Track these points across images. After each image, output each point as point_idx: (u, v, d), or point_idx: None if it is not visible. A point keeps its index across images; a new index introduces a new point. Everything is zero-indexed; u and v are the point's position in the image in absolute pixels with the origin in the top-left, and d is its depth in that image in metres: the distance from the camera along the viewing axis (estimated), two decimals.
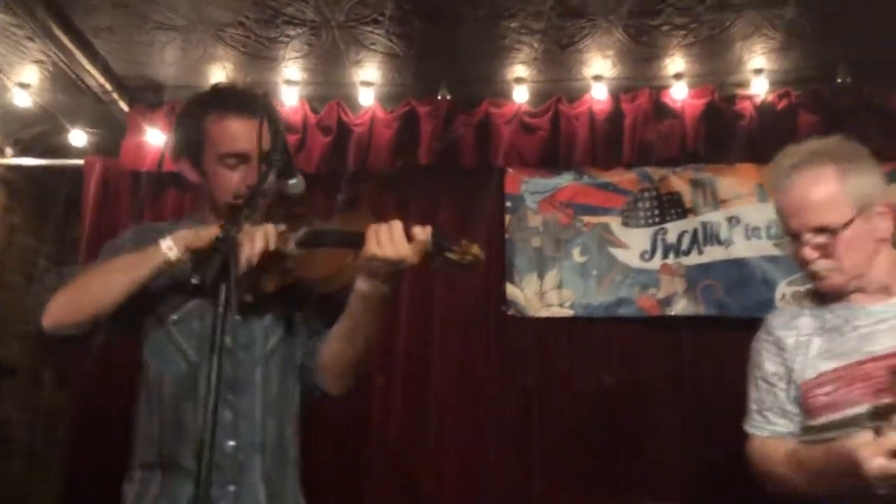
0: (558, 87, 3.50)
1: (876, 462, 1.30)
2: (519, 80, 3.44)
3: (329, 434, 3.23)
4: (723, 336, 3.38)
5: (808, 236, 1.56)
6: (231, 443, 1.63)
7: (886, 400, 1.40)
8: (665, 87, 3.43)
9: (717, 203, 3.42)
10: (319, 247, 1.63)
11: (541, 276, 3.44)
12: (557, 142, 3.48)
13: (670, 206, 3.45)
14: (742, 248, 3.37)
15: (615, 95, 3.46)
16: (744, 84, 3.40)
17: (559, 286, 3.42)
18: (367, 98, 3.51)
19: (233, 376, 1.64)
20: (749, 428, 1.69)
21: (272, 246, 1.58)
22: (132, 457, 1.71)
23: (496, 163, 3.51)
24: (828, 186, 1.57)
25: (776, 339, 1.67)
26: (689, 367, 3.39)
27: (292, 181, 1.58)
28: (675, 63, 3.33)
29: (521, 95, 3.46)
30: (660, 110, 3.43)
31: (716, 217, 3.41)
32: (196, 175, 1.77)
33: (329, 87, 3.57)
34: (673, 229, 3.41)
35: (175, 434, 1.64)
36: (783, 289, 3.32)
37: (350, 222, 1.64)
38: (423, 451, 3.34)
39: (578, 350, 3.42)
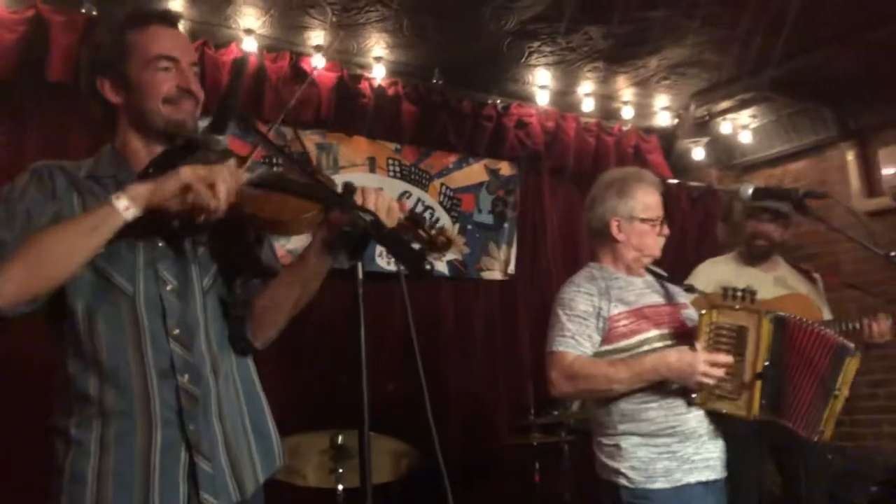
0: (208, 31, 3.47)
1: (702, 367, 2.13)
2: None
3: None
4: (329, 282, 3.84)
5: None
6: (185, 377, 1.53)
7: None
8: (306, 55, 3.71)
9: (338, 168, 3.86)
10: (279, 191, 1.53)
11: None
12: (202, 86, 3.43)
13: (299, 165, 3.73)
14: None
15: (260, 52, 3.60)
16: (366, 67, 3.90)
17: None
18: None
19: (176, 308, 1.55)
20: (560, 347, 2.27)
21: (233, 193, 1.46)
22: (56, 413, 1.53)
23: None
24: None
25: (588, 288, 2.33)
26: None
27: (221, 137, 1.56)
28: (319, 35, 3.64)
29: None
30: (298, 75, 3.69)
31: (335, 179, 3.82)
32: (117, 93, 1.60)
33: None
34: None
35: (116, 378, 1.49)
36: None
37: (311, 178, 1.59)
38: None
39: None
